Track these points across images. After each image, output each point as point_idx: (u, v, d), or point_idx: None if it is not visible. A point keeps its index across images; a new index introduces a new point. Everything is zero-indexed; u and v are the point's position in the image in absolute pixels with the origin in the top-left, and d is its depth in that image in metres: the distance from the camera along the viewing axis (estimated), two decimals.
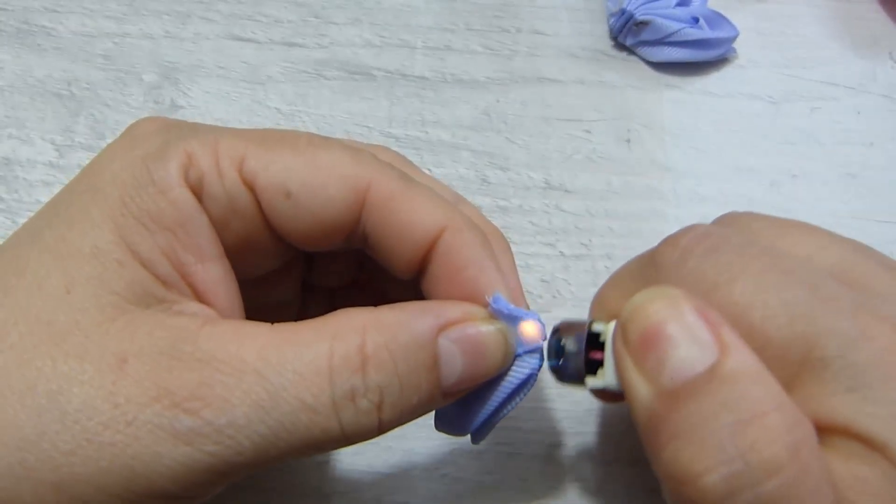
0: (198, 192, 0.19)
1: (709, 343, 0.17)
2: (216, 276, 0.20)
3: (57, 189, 0.21)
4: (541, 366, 0.21)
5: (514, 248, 0.24)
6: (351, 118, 0.35)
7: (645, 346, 0.18)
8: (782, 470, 0.16)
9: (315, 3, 0.39)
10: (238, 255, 0.20)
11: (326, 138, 0.21)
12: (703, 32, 0.36)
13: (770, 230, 0.21)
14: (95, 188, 0.19)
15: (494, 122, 0.36)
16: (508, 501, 0.28)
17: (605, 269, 0.32)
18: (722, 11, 0.37)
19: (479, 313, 0.20)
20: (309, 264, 0.25)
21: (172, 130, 0.20)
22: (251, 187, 0.20)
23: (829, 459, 0.17)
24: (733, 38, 0.37)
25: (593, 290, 0.25)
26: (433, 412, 0.22)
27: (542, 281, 0.32)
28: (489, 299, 0.20)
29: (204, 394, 0.17)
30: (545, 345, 0.21)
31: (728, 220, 0.23)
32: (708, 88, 0.37)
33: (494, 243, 0.22)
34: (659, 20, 0.36)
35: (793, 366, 0.18)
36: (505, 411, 0.21)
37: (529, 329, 0.20)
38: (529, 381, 0.21)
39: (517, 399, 0.21)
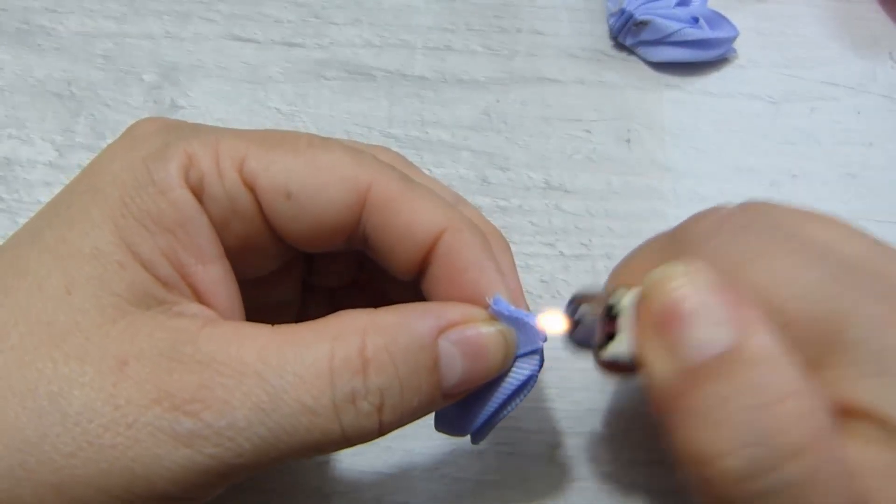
0: (198, 192, 0.19)
1: (731, 322, 0.17)
2: (216, 276, 0.20)
3: (57, 189, 0.21)
4: (541, 367, 0.21)
5: (514, 249, 0.24)
6: (351, 118, 0.35)
7: (666, 320, 0.18)
8: (802, 454, 0.16)
9: (315, 3, 0.39)
10: (238, 255, 0.20)
11: (327, 139, 0.21)
12: (703, 32, 0.36)
13: (792, 218, 0.21)
14: (96, 188, 0.19)
15: (494, 122, 0.36)
16: (509, 501, 0.28)
17: (605, 269, 0.32)
18: (722, 11, 0.37)
19: (480, 315, 0.20)
20: (309, 265, 0.25)
21: (173, 131, 0.20)
22: (252, 188, 0.20)
23: (849, 443, 0.17)
24: (733, 38, 0.37)
25: None
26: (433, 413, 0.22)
27: (542, 281, 0.32)
28: (489, 301, 0.20)
29: (204, 396, 0.17)
30: (546, 345, 0.21)
31: (750, 207, 0.23)
32: (708, 88, 0.37)
33: (494, 244, 0.22)
34: (659, 20, 0.35)
35: (817, 346, 0.18)
36: (505, 412, 0.21)
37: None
38: (529, 382, 0.21)
39: (517, 400, 0.21)
